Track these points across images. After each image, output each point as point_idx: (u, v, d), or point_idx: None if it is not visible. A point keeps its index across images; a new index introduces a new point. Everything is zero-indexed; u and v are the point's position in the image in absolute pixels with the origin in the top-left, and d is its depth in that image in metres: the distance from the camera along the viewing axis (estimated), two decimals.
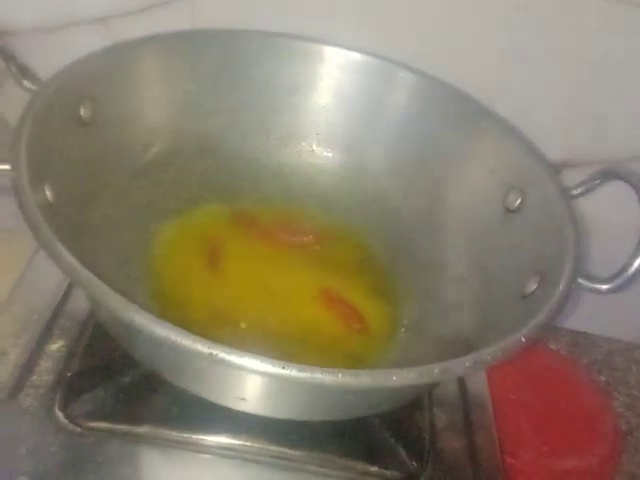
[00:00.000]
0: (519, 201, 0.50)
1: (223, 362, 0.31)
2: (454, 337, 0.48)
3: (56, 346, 0.47)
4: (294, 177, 0.59)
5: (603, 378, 0.75)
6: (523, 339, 0.36)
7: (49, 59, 0.47)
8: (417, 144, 0.56)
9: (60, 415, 0.43)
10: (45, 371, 0.46)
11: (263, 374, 0.31)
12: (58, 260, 0.34)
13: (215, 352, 0.31)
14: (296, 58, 0.57)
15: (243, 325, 0.47)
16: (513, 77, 0.58)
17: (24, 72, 0.47)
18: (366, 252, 0.56)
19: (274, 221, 0.55)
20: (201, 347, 0.31)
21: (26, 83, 0.46)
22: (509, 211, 0.50)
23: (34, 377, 0.45)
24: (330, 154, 0.59)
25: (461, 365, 0.34)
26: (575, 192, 0.49)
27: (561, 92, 0.59)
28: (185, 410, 0.44)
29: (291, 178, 0.59)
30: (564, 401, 0.64)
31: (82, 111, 0.47)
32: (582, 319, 0.75)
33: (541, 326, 0.37)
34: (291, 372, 0.31)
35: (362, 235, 0.57)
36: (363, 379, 0.32)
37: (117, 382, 0.44)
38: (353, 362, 0.47)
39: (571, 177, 0.60)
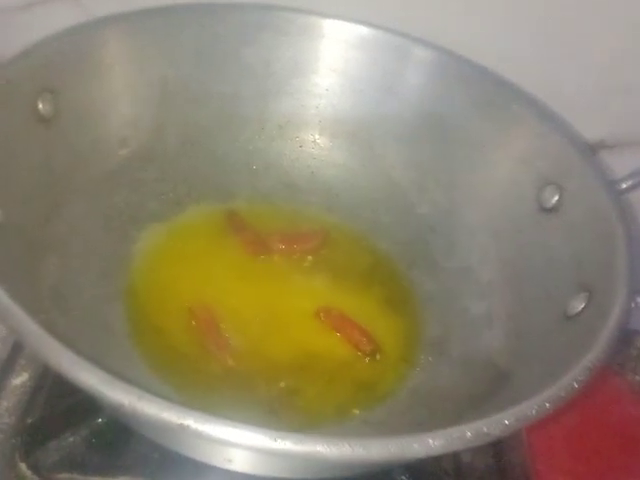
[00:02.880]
0: (556, 198, 0.42)
1: (198, 434, 0.24)
2: (484, 362, 0.41)
3: (20, 380, 0.41)
4: (294, 171, 0.52)
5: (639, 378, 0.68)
6: (575, 384, 0.29)
7: (16, 41, 0.40)
8: (435, 131, 0.49)
9: (22, 466, 0.37)
10: (6, 411, 0.39)
11: (250, 448, 0.25)
12: None
13: (187, 423, 0.24)
14: (294, 34, 0.49)
15: (236, 354, 0.40)
16: (538, 47, 0.50)
17: None
18: (377, 257, 0.49)
19: (271, 225, 0.48)
20: (169, 416, 0.24)
21: None
22: (545, 210, 0.43)
23: None
24: (335, 144, 0.52)
25: (499, 424, 0.27)
26: (624, 186, 0.42)
27: (593, 61, 0.51)
28: (168, 457, 0.37)
29: (291, 172, 0.52)
30: (600, 412, 0.57)
31: (40, 106, 0.40)
32: None
33: (595, 364, 0.30)
34: (285, 446, 0.24)
35: (372, 237, 0.49)
36: (374, 451, 0.25)
37: (89, 425, 0.38)
38: (364, 392, 0.41)
39: (608, 160, 0.54)
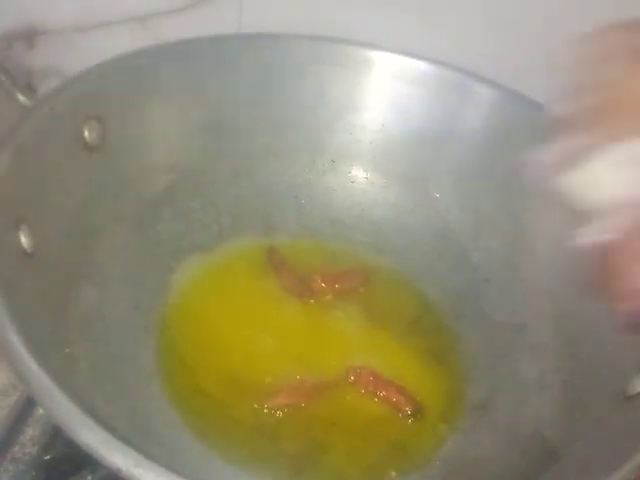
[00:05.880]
0: None
1: None
2: (530, 433, 0.37)
3: None
4: (343, 208, 0.50)
5: None
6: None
7: (82, 61, 0.41)
8: (495, 174, 0.46)
9: None
10: (30, 441, 0.39)
11: None
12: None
13: None
14: (351, 67, 0.47)
15: (265, 402, 0.38)
16: None
17: (20, 85, 0.40)
18: (424, 305, 0.46)
19: (314, 262, 0.46)
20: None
21: (21, 99, 0.39)
22: None
23: (16, 448, 0.38)
24: (388, 182, 0.50)
25: None
26: None
27: None
28: None
29: (340, 208, 0.50)
30: None
31: (86, 133, 0.40)
32: None
33: None
34: None
35: (420, 282, 0.47)
36: None
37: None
38: (398, 454, 0.38)
39: None
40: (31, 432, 0.39)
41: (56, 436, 0.39)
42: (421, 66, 0.46)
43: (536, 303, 0.43)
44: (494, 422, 0.39)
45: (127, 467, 0.23)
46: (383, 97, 0.48)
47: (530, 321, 0.43)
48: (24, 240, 0.33)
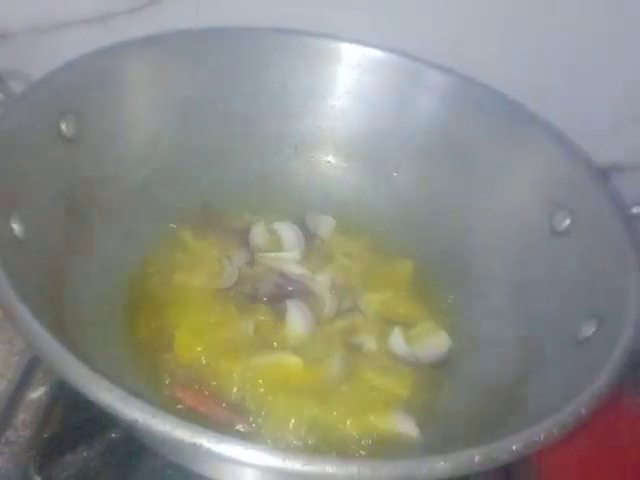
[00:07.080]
0: (568, 222, 0.43)
1: (210, 454, 0.25)
2: (494, 384, 0.41)
3: (37, 394, 0.42)
4: (309, 190, 0.53)
5: None
6: (583, 411, 0.29)
7: (44, 62, 0.42)
8: (448, 153, 0.50)
9: (37, 479, 0.37)
10: (22, 424, 0.40)
11: (262, 468, 0.25)
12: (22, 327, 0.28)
13: (200, 442, 0.25)
14: (311, 58, 0.50)
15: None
16: (556, 75, 0.51)
17: None
18: (386, 277, 0.49)
19: None
20: (182, 434, 0.25)
21: None
22: (556, 233, 0.43)
23: (9, 432, 0.40)
24: (349, 165, 0.53)
25: (507, 449, 0.27)
26: (635, 211, 0.42)
27: (610, 90, 0.52)
28: (181, 473, 0.38)
29: (305, 191, 0.53)
30: (612, 434, 0.56)
31: (64, 127, 0.41)
32: None
33: (603, 391, 0.30)
34: (294, 466, 0.25)
35: (386, 256, 0.50)
36: (382, 472, 0.25)
37: (103, 440, 0.39)
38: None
39: (621, 183, 0.54)
40: (22, 416, 0.41)
41: (48, 418, 0.41)
42: (377, 55, 0.49)
43: (491, 270, 0.47)
44: (458, 377, 0.43)
45: (144, 419, 0.25)
46: (342, 85, 0.51)
47: (487, 286, 0.46)
48: (16, 227, 0.35)
